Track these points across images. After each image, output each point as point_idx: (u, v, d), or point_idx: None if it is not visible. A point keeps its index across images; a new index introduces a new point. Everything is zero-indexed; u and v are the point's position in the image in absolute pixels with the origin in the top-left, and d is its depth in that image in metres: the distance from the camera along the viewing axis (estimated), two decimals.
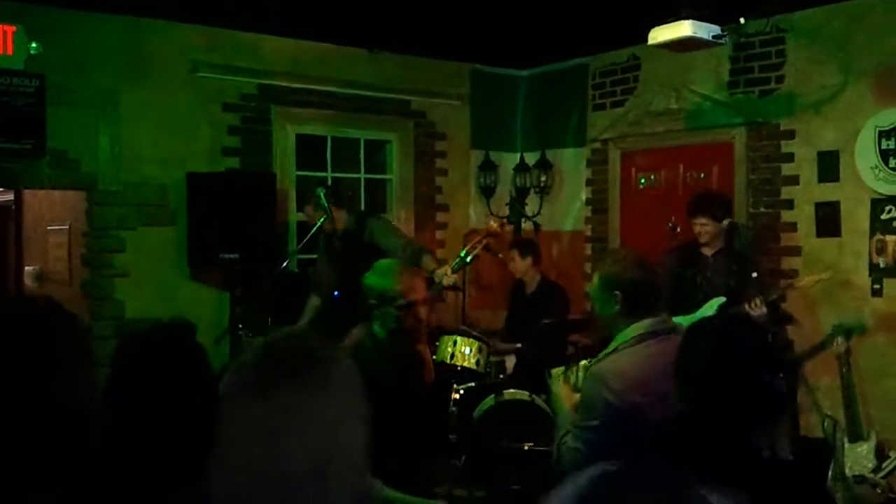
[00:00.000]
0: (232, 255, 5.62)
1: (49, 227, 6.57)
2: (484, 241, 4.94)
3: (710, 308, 5.08)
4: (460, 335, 5.77)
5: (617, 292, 2.83)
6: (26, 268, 6.83)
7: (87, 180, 5.68)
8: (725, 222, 5.24)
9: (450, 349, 5.67)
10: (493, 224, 4.98)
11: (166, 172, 5.89)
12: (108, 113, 5.72)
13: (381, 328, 3.60)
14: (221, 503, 1.23)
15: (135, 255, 5.79)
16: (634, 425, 2.61)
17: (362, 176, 7.09)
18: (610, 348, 2.88)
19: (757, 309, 4.80)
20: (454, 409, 5.58)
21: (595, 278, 2.96)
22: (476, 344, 5.68)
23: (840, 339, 5.13)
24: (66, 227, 6.32)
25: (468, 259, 4.91)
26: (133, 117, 5.79)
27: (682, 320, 5.05)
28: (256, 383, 1.27)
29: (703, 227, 5.16)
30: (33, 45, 4.97)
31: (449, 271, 4.89)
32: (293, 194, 6.54)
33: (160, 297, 5.77)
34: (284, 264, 5.81)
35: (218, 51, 6.11)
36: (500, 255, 6.62)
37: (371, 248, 5.39)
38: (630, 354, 2.79)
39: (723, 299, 5.05)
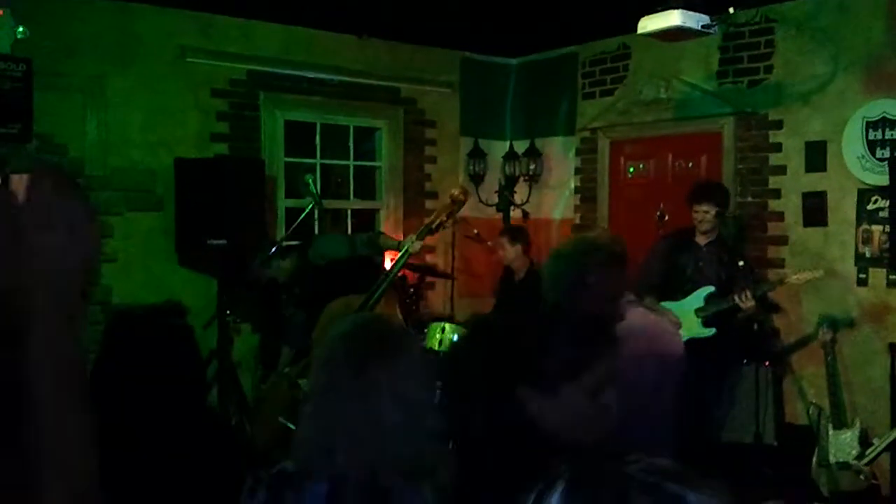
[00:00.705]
0: (220, 242, 5.60)
1: None
2: (448, 209, 4.99)
3: (698, 297, 5.13)
4: (449, 322, 5.79)
5: None
6: None
7: (74, 165, 5.65)
8: (714, 210, 5.27)
9: (438, 336, 5.68)
10: (455, 191, 5.01)
11: (154, 158, 5.86)
12: (96, 98, 5.69)
13: None
14: (316, 455, 1.51)
15: (122, 241, 5.76)
16: None
17: (351, 163, 7.07)
18: None
19: (747, 301, 4.85)
20: None
21: None
22: (464, 331, 5.70)
23: (825, 328, 5.17)
24: None
25: (433, 226, 4.97)
26: (121, 102, 5.76)
27: (671, 306, 5.10)
28: (351, 361, 1.57)
29: (706, 214, 5.20)
30: (20, 28, 4.89)
31: (414, 237, 4.97)
32: (282, 181, 6.53)
33: (147, 283, 5.75)
34: (273, 250, 5.79)
35: (206, 36, 6.08)
36: (489, 243, 6.63)
37: (329, 269, 5.39)
38: None
39: (711, 289, 5.10)
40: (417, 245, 5.01)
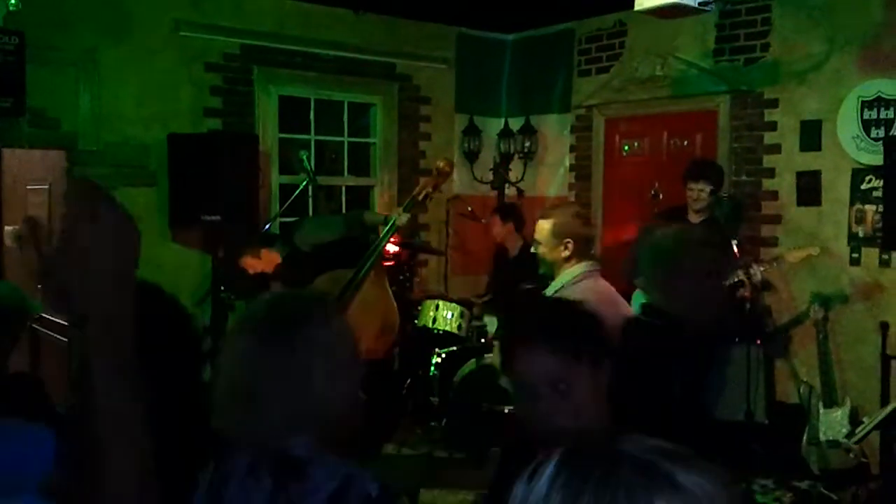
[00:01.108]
0: (214, 217, 5.58)
1: (29, 187, 6.49)
2: (434, 181, 5.00)
3: None
4: (442, 300, 5.81)
5: (568, 240, 3.32)
6: (6, 228, 6.76)
7: (67, 140, 5.62)
8: (709, 189, 5.26)
9: (432, 313, 5.71)
10: (441, 163, 5.01)
11: (147, 132, 5.83)
12: (89, 71, 5.64)
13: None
14: (236, 426, 1.55)
15: None
16: None
17: (346, 139, 7.05)
18: (557, 286, 3.35)
19: (753, 278, 4.77)
20: (436, 372, 5.63)
21: (547, 225, 3.39)
22: (458, 308, 5.72)
23: (817, 307, 5.19)
24: (46, 186, 6.26)
25: (419, 198, 4.98)
26: (114, 76, 5.71)
27: None
28: (265, 331, 1.57)
29: (701, 192, 5.16)
30: (12, 1, 4.87)
31: (401, 211, 4.97)
32: (276, 157, 6.50)
33: (141, 259, 5.73)
34: (267, 227, 5.79)
35: (200, 9, 6.03)
36: (483, 220, 6.63)
37: (317, 253, 5.36)
38: (580, 289, 3.22)
39: None
40: (404, 218, 5.00)
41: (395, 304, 5.01)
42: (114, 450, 1.02)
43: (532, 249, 3.52)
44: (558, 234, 3.38)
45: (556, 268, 3.43)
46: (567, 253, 3.38)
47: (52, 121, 5.53)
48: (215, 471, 1.61)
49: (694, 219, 5.25)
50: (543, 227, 3.43)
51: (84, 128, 5.65)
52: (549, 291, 3.38)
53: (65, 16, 5.49)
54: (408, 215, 5.04)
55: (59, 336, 5.32)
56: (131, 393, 1.06)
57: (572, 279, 3.39)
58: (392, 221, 4.95)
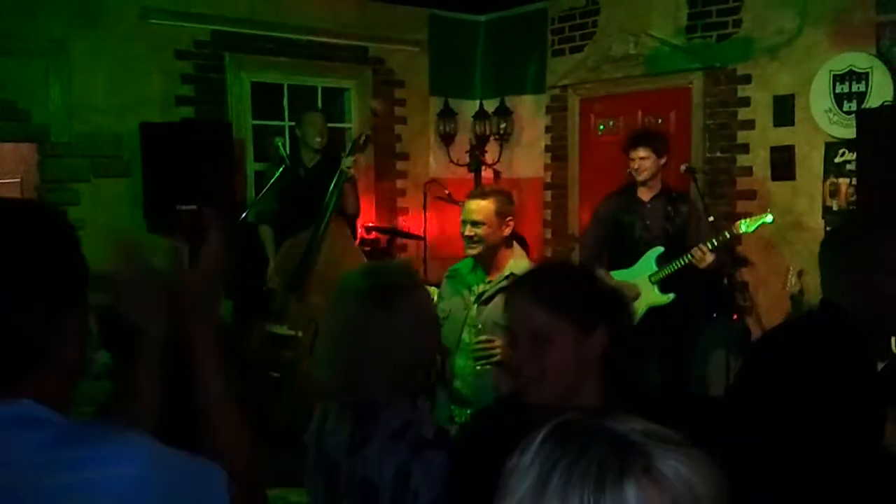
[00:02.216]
0: (189, 207, 5.54)
1: (1, 181, 6.41)
2: (371, 122, 5.45)
3: (648, 260, 4.92)
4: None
5: (510, 218, 3.35)
6: None
7: (38, 132, 5.55)
8: (684, 166, 5.23)
9: None
10: (373, 104, 5.38)
11: (120, 123, 5.77)
12: (59, 62, 5.57)
13: None
14: (333, 380, 1.92)
15: (90, 208, 5.68)
16: None
17: None
18: (522, 267, 3.18)
19: (703, 260, 4.65)
20: None
21: (491, 205, 3.34)
22: (436, 291, 5.72)
23: (794, 280, 5.21)
24: (18, 180, 6.18)
25: (360, 141, 5.60)
26: (84, 66, 5.65)
27: (623, 276, 4.85)
28: (356, 310, 1.87)
29: (643, 160, 4.90)
30: None
31: (344, 157, 5.47)
32: (250, 144, 6.45)
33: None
34: (244, 215, 5.75)
35: None
36: (460, 204, 6.61)
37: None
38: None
39: (660, 249, 4.91)
40: (349, 161, 5.39)
41: (363, 254, 5.26)
42: (216, 412, 1.42)
43: (468, 232, 3.33)
44: (501, 213, 3.30)
45: (496, 249, 3.33)
46: (508, 231, 3.33)
47: (23, 113, 5.46)
48: (321, 412, 2.00)
49: (645, 195, 5.00)
50: (487, 207, 3.30)
51: (55, 119, 5.59)
52: (519, 270, 3.25)
53: (32, 6, 5.41)
54: (352, 158, 5.36)
55: None
56: (225, 379, 1.46)
57: (524, 263, 3.29)
58: (340, 171, 5.31)
